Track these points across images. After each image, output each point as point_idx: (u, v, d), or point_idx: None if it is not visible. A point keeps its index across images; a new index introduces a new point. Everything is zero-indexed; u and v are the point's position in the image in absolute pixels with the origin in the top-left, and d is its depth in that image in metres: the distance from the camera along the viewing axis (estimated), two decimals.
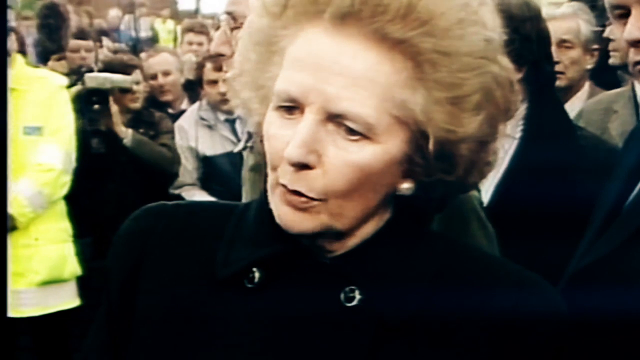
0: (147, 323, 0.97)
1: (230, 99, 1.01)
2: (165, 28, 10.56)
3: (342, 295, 0.91)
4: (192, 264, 0.98)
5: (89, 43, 5.32)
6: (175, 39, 9.12)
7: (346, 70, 0.85)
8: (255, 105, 0.97)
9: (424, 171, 0.92)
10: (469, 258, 0.98)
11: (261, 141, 0.94)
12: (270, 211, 0.93)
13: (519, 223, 1.62)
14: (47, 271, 3.29)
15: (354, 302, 0.91)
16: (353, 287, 0.91)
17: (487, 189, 1.98)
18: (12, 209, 3.16)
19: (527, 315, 0.91)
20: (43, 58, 4.80)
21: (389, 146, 0.88)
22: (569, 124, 2.10)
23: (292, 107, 0.88)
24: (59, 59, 4.82)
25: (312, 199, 0.88)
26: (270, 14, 0.92)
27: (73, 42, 5.25)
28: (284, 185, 0.89)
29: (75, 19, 5.72)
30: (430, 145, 0.89)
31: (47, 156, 3.26)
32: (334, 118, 0.86)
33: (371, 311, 0.90)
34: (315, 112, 0.86)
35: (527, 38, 1.96)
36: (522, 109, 2.01)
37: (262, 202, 0.97)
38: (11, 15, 3.59)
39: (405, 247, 0.95)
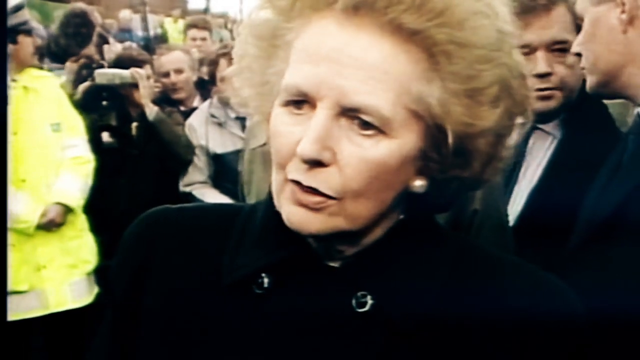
0: (154, 327, 0.95)
1: (231, 97, 0.98)
2: (176, 28, 10.56)
3: (353, 301, 0.89)
4: (198, 268, 0.96)
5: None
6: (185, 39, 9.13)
7: (360, 62, 0.82)
8: (257, 102, 0.93)
9: (439, 167, 0.89)
10: (482, 259, 0.94)
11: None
12: (277, 213, 0.89)
13: (561, 229, 1.54)
14: (94, 259, 3.40)
15: (366, 308, 0.88)
16: (365, 293, 0.88)
17: (523, 190, 1.90)
18: (71, 203, 3.29)
19: (543, 317, 0.88)
20: (58, 60, 4.76)
21: (404, 141, 0.85)
22: (613, 123, 1.95)
23: (301, 102, 0.85)
24: (76, 60, 4.80)
25: (329, 197, 0.84)
26: (277, 7, 0.88)
27: None
28: (296, 182, 0.85)
29: None
30: (450, 140, 0.86)
31: (79, 150, 3.41)
32: (348, 112, 0.83)
33: (383, 316, 0.88)
34: (328, 107, 0.83)
35: None
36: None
37: (269, 204, 0.93)
38: (28, 16, 3.56)
39: (417, 248, 0.92)
